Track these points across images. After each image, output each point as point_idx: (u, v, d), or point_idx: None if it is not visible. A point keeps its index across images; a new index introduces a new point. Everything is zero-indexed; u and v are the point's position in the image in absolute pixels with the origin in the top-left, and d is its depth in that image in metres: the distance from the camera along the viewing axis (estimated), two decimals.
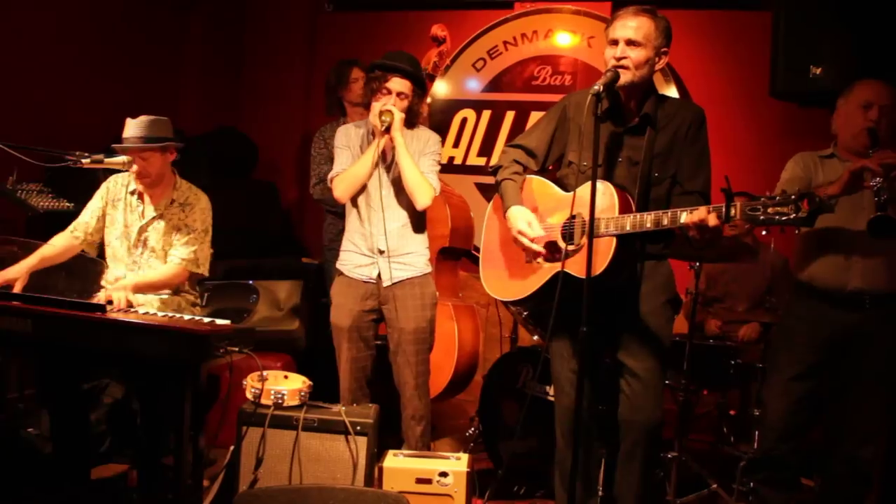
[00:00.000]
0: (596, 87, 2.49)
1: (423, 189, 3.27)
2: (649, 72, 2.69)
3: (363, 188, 3.34)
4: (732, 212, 2.39)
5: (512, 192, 2.86)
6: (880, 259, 2.98)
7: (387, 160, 3.37)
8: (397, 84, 3.29)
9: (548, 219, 2.81)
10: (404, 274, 3.36)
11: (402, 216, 3.38)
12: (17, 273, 3.13)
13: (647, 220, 2.54)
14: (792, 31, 4.23)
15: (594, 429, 2.94)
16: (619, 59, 2.64)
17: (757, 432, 3.62)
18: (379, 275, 3.35)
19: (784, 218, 2.29)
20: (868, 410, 3.03)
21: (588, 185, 2.51)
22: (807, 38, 4.17)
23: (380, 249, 3.34)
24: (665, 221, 2.51)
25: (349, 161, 3.38)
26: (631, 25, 2.65)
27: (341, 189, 3.34)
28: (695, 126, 2.75)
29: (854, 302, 3.00)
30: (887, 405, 3.03)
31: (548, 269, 2.76)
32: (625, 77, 2.64)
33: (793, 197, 2.28)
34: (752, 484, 3.34)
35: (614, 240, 2.59)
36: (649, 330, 2.78)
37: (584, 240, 2.56)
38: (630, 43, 2.64)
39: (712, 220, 2.41)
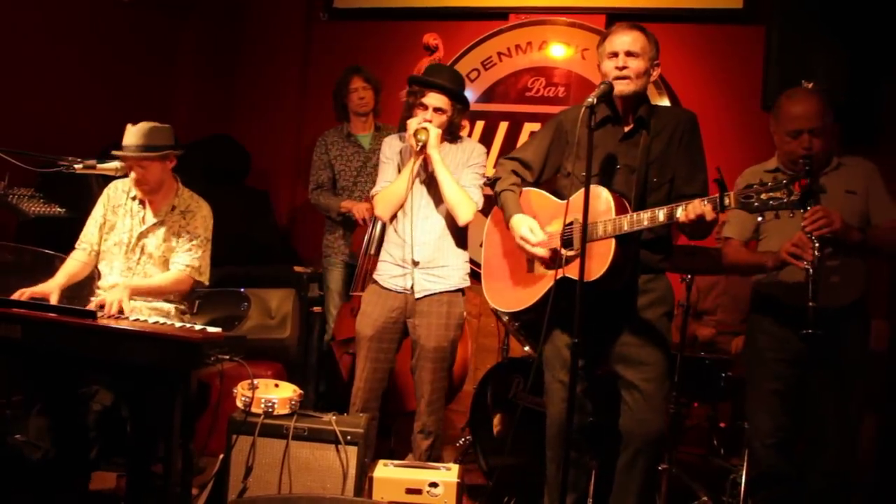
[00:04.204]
0: (590, 100, 2.53)
1: (464, 204, 3.25)
2: (646, 82, 2.77)
3: (403, 205, 3.33)
4: (727, 201, 2.42)
5: (512, 202, 2.90)
6: (836, 279, 2.94)
7: (426, 172, 3.34)
8: (434, 99, 3.29)
9: (546, 227, 2.83)
10: (436, 287, 3.33)
11: (439, 228, 3.34)
12: (49, 289, 3.12)
13: (644, 217, 2.57)
14: (784, 45, 4.25)
15: (584, 441, 2.94)
16: (621, 69, 2.72)
17: (747, 450, 3.59)
18: (412, 286, 3.32)
19: (777, 202, 2.33)
20: (840, 422, 2.99)
21: (582, 191, 2.55)
22: (799, 53, 4.19)
23: (414, 261, 3.32)
24: (661, 217, 2.54)
25: (392, 174, 3.39)
26: (628, 38, 2.74)
27: (381, 208, 3.37)
28: (688, 130, 2.81)
29: (817, 316, 2.98)
30: (858, 414, 3.02)
31: (549, 277, 2.78)
32: (628, 87, 2.72)
33: (784, 181, 2.33)
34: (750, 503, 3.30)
35: (613, 241, 2.61)
36: (650, 341, 2.79)
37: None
38: (629, 54, 2.72)
39: (710, 214, 2.45)
